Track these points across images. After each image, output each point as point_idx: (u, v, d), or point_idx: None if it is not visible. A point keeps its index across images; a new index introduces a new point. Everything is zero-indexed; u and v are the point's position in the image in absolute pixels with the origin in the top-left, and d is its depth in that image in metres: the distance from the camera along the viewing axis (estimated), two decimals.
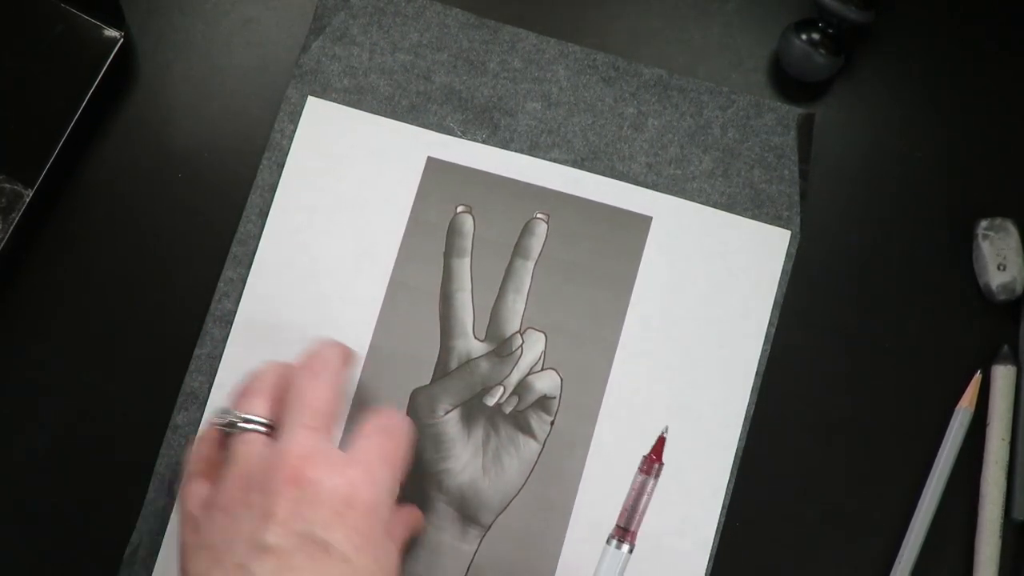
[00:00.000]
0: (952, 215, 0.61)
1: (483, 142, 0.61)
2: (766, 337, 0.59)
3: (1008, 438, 0.58)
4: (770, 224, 0.61)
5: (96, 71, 0.59)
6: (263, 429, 0.51)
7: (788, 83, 0.62)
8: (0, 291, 0.60)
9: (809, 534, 0.58)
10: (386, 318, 0.59)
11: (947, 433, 0.59)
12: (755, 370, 0.59)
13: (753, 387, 0.59)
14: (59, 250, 0.60)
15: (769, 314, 0.60)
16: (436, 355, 0.59)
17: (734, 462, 0.58)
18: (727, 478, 0.58)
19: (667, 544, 0.58)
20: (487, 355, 0.59)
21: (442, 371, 0.59)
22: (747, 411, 0.59)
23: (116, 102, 0.61)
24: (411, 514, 0.57)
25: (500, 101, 0.61)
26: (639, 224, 0.60)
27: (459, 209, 0.61)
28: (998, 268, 0.59)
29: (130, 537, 0.58)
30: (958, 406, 0.59)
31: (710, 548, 0.58)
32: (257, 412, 0.51)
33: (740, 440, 0.58)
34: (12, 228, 0.58)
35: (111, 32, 0.60)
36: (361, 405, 0.59)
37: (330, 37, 0.62)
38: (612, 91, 0.61)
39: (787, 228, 0.61)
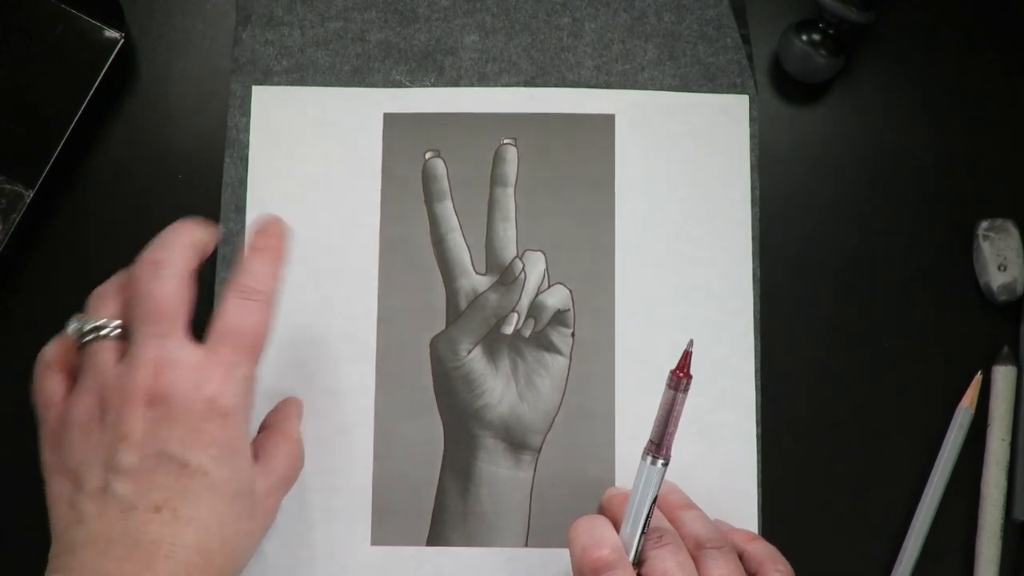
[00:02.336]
0: (952, 215, 0.61)
1: (432, 86, 0.61)
2: (752, 200, 0.60)
3: (1008, 439, 0.59)
4: (726, 93, 0.62)
5: (96, 72, 0.59)
6: (114, 334, 0.50)
7: (788, 83, 0.62)
8: (0, 292, 0.60)
9: (809, 534, 0.59)
10: (386, 279, 0.60)
11: (947, 433, 0.59)
12: (750, 233, 0.60)
13: (753, 251, 0.60)
14: (60, 251, 0.59)
15: (748, 178, 0.61)
16: (444, 300, 0.60)
17: (754, 323, 0.59)
18: (752, 341, 0.59)
19: (712, 420, 0.58)
20: (493, 287, 0.60)
21: (454, 314, 0.60)
22: (753, 272, 0.60)
23: (116, 102, 0.61)
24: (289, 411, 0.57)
25: (438, 43, 0.62)
26: (603, 124, 0.61)
27: (428, 155, 0.61)
28: (998, 269, 0.59)
29: None
30: (959, 406, 0.59)
31: (754, 416, 0.59)
32: (106, 315, 0.50)
33: (755, 303, 0.59)
34: (13, 229, 0.58)
35: (111, 33, 0.60)
36: (384, 364, 0.59)
37: (258, 24, 0.62)
38: (543, 6, 0.62)
39: (743, 93, 0.62)
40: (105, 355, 0.49)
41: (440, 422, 0.59)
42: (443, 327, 0.59)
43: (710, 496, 0.58)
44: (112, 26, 0.60)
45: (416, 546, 0.58)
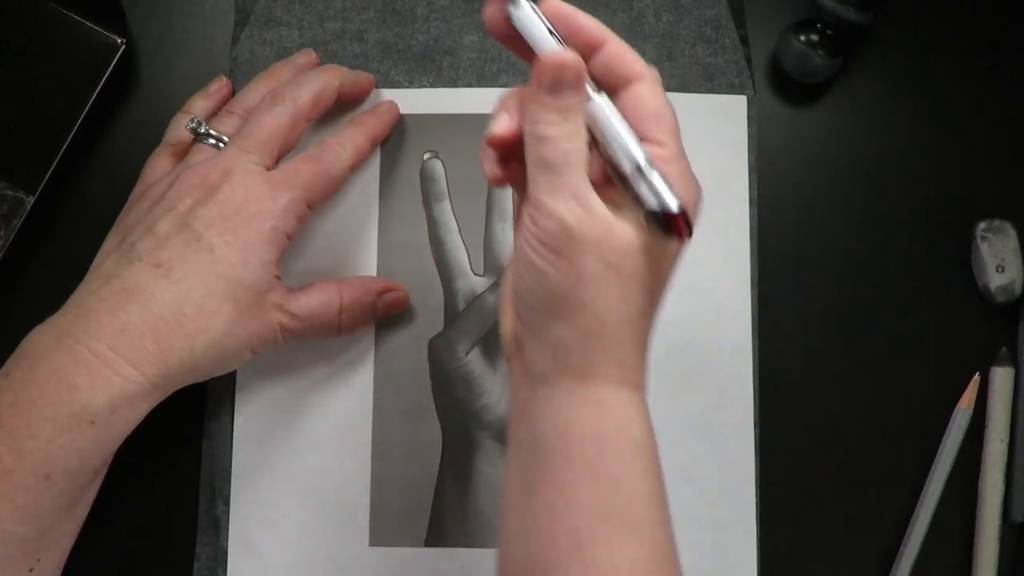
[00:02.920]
0: (951, 216, 0.61)
1: (431, 86, 0.61)
2: (750, 200, 0.60)
3: (1007, 440, 0.58)
4: (725, 94, 0.62)
5: (98, 77, 0.59)
6: (220, 145, 0.56)
7: (788, 83, 0.62)
8: (2, 297, 0.60)
9: (809, 535, 0.59)
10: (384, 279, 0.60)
11: (946, 434, 0.59)
12: (748, 233, 0.60)
13: (751, 251, 0.60)
14: (61, 256, 0.60)
15: (747, 178, 0.61)
16: (442, 301, 0.60)
17: (753, 323, 0.59)
18: (751, 341, 0.59)
19: (712, 420, 0.59)
20: (491, 288, 0.60)
21: (452, 314, 0.60)
22: (752, 272, 0.60)
23: (117, 105, 0.61)
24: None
25: (437, 43, 0.62)
26: None
27: (426, 156, 0.61)
28: (996, 270, 0.59)
29: (194, 549, 0.58)
30: (957, 407, 0.59)
31: (753, 416, 0.59)
32: (222, 130, 0.57)
33: (754, 303, 0.59)
34: (14, 235, 0.58)
35: (113, 38, 0.60)
36: (383, 365, 0.59)
37: (256, 24, 0.62)
38: None
39: (742, 93, 0.62)
40: (201, 156, 0.56)
41: (439, 423, 0.59)
42: (441, 328, 0.60)
43: (709, 496, 0.58)
44: (114, 31, 0.60)
45: (414, 547, 0.58)
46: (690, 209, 0.42)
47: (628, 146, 0.42)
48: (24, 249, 0.60)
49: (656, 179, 0.41)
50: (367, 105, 0.61)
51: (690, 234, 0.41)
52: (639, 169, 0.42)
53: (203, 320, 0.51)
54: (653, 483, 0.43)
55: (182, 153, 0.58)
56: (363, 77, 0.60)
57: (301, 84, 0.56)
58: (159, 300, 0.51)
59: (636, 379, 0.43)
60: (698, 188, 0.45)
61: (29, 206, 0.58)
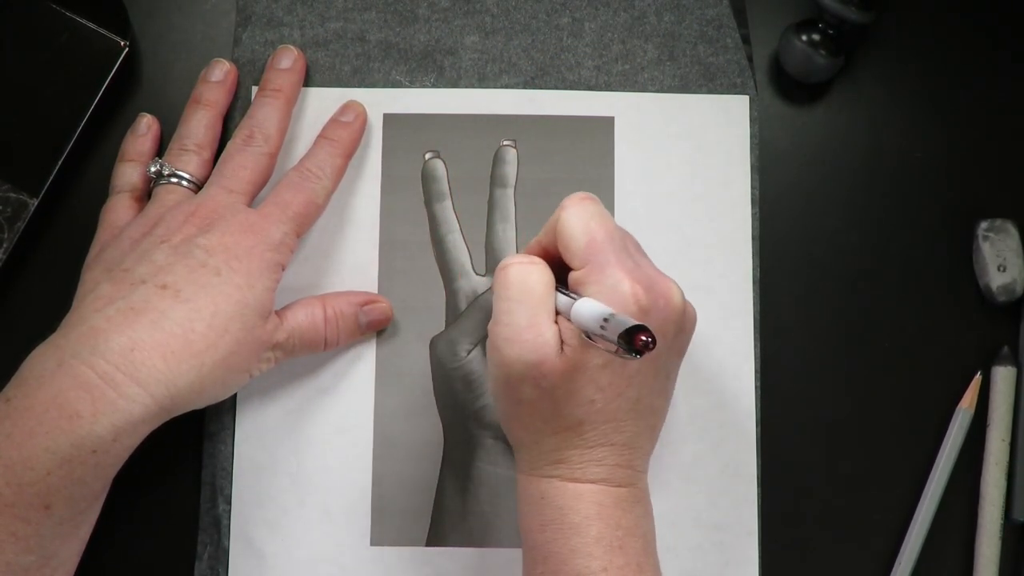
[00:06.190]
0: (952, 216, 0.61)
1: (432, 86, 0.62)
2: (752, 200, 0.60)
3: (1008, 439, 0.59)
4: (726, 94, 0.62)
5: (101, 79, 0.60)
6: (186, 184, 0.57)
7: (788, 83, 0.62)
8: (6, 300, 0.60)
9: (809, 535, 0.59)
10: (386, 279, 0.60)
11: (947, 434, 0.59)
12: (750, 233, 0.60)
13: (753, 251, 0.60)
14: (65, 258, 0.60)
15: (748, 178, 0.61)
16: (444, 301, 0.60)
17: (754, 323, 0.59)
18: (752, 341, 0.59)
19: (712, 420, 0.59)
20: (492, 287, 0.60)
21: (453, 314, 0.60)
22: (753, 272, 0.60)
23: (118, 106, 0.61)
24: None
25: (438, 43, 0.62)
26: (603, 127, 0.61)
27: (427, 156, 0.61)
28: (998, 269, 0.59)
29: (196, 548, 0.58)
30: (958, 407, 0.59)
31: (754, 416, 0.59)
32: (186, 169, 0.57)
33: (755, 303, 0.59)
34: (17, 237, 0.58)
35: (115, 40, 0.60)
36: (384, 364, 0.59)
37: (257, 25, 0.62)
38: (543, 6, 0.62)
39: (743, 93, 0.62)
40: (174, 195, 0.56)
41: (439, 422, 0.59)
42: (443, 327, 0.60)
43: (710, 496, 0.58)
44: (117, 34, 0.60)
45: (415, 546, 0.58)
46: (637, 313, 0.48)
47: (584, 317, 0.47)
48: (28, 251, 0.60)
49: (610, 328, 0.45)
50: (333, 105, 0.61)
51: (653, 343, 0.43)
52: (602, 326, 0.45)
53: (212, 337, 0.51)
54: (601, 557, 0.48)
55: (141, 199, 0.58)
56: (298, 90, 0.61)
57: (268, 120, 0.58)
58: (169, 318, 0.50)
59: (583, 474, 0.49)
60: (644, 283, 0.49)
61: (32, 208, 0.58)
